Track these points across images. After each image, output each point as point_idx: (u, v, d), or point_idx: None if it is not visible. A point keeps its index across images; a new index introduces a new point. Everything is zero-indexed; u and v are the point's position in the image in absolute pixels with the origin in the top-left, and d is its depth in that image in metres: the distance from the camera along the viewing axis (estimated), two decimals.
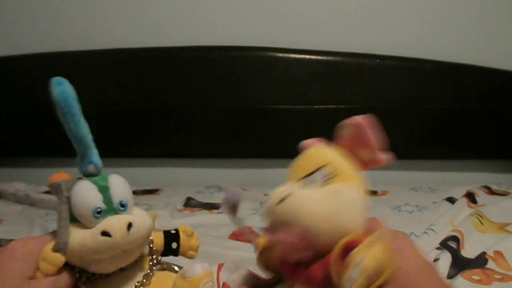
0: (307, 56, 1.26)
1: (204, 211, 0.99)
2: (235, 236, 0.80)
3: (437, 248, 0.69)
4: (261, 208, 0.99)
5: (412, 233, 0.80)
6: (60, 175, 0.42)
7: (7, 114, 1.29)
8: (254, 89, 1.28)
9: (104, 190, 0.41)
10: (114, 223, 0.39)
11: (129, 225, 0.39)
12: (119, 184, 0.42)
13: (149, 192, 1.20)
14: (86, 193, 0.40)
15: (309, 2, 1.29)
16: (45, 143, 1.27)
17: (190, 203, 1.06)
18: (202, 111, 1.28)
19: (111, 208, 0.40)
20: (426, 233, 0.76)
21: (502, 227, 0.82)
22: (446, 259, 0.64)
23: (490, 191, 1.12)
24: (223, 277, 0.57)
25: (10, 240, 0.70)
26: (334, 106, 1.25)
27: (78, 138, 0.42)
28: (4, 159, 1.36)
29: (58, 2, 1.30)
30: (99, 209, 0.39)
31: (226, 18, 1.30)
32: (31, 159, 1.35)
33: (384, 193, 1.14)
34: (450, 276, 0.62)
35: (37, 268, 0.39)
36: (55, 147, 1.30)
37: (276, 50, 1.27)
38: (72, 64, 1.29)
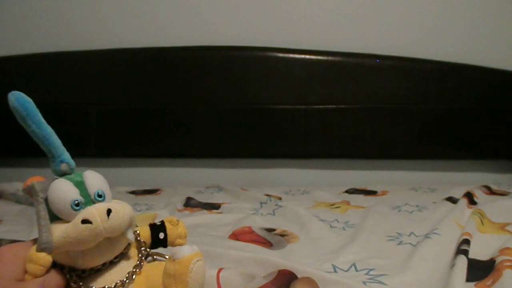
0: (307, 56, 1.26)
1: (204, 211, 0.99)
2: (235, 236, 0.80)
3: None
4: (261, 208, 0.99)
5: (412, 233, 0.80)
6: (34, 179, 0.43)
7: (7, 114, 1.29)
8: (254, 89, 1.28)
9: (80, 184, 0.42)
10: (93, 210, 0.40)
11: (108, 211, 0.40)
12: (94, 177, 0.43)
13: (149, 192, 1.20)
14: (62, 189, 0.41)
15: (309, 2, 1.29)
16: None
17: (190, 203, 1.06)
18: (202, 111, 1.28)
19: (89, 200, 0.41)
20: (429, 237, 0.74)
21: (502, 227, 0.81)
22: (463, 263, 0.62)
23: (490, 191, 1.12)
24: (224, 275, 0.57)
25: (12, 241, 0.70)
26: (334, 106, 1.25)
27: (43, 139, 0.43)
28: (4, 159, 1.36)
29: (58, 2, 1.30)
30: (77, 201, 0.40)
31: (226, 18, 1.30)
32: (31, 159, 1.35)
33: (384, 193, 1.14)
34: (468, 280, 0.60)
35: (25, 271, 0.39)
36: None
37: (276, 50, 1.27)
38: (72, 64, 1.29)
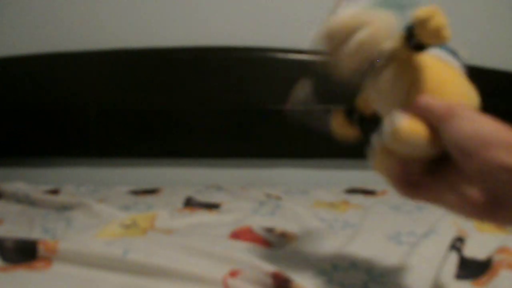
0: (307, 56, 1.26)
1: (204, 211, 0.99)
2: (235, 236, 0.80)
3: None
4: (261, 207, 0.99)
5: (412, 232, 0.80)
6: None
7: (7, 114, 1.29)
8: (254, 89, 1.28)
9: None
10: None
11: None
12: None
13: (149, 192, 1.20)
14: None
15: (309, 2, 1.29)
16: (45, 143, 1.27)
17: (190, 203, 1.06)
18: (202, 111, 1.29)
19: None
20: (428, 237, 0.75)
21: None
22: (452, 258, 0.63)
23: None
24: (232, 283, 0.56)
25: (15, 239, 0.69)
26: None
27: None
28: (4, 159, 1.36)
29: (58, 2, 1.30)
30: None
31: (226, 18, 1.31)
32: (31, 159, 1.35)
33: (383, 193, 1.14)
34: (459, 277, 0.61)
35: None
36: (55, 147, 1.30)
37: (276, 50, 1.27)
38: (72, 64, 1.29)
